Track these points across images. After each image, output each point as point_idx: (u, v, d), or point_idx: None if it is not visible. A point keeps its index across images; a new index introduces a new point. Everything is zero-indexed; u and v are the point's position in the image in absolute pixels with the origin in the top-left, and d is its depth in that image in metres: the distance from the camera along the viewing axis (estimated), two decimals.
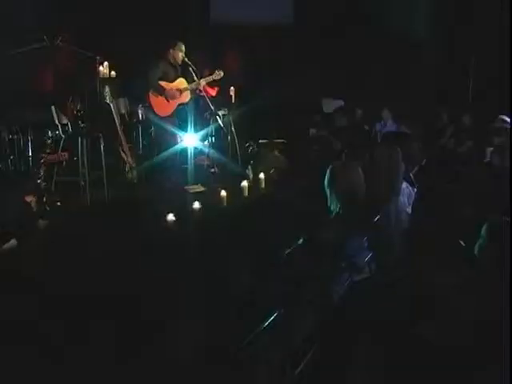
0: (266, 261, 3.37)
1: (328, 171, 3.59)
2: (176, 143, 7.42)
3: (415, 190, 5.47)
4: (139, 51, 8.25)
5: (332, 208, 3.57)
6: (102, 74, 8.32)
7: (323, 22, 10.56)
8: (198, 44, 8.37)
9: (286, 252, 3.04)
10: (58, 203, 5.24)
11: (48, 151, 4.98)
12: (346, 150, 5.15)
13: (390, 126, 9.01)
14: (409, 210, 5.33)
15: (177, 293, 3.61)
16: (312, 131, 9.43)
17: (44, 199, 4.71)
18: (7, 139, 6.26)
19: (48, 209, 4.72)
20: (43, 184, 4.78)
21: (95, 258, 3.32)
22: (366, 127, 9.26)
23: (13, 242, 3.63)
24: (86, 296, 3.12)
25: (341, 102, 10.27)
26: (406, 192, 5.26)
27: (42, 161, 4.88)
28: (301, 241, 3.15)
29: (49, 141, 5.17)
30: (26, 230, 3.71)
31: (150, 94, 6.93)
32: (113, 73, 8.58)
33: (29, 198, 4.00)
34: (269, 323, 2.58)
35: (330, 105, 10.38)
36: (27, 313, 2.93)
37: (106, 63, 8.37)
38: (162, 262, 3.66)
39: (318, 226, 3.37)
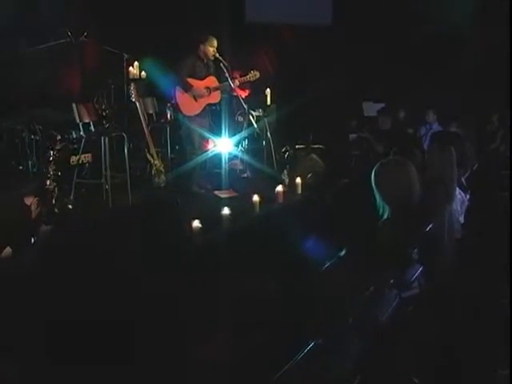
0: (302, 276, 2.86)
1: (376, 169, 3.06)
2: (206, 146, 7.01)
3: (468, 196, 4.96)
4: (171, 50, 7.84)
5: (380, 212, 3.03)
6: (131, 74, 8.00)
7: (362, 22, 10.05)
8: (231, 43, 7.93)
9: (326, 265, 2.51)
10: (70, 206, 4.84)
11: (58, 148, 4.57)
12: (393, 148, 4.61)
13: (436, 129, 8.48)
14: (461, 218, 4.82)
15: (198, 309, 3.14)
16: (352, 136, 8.97)
17: (53, 202, 4.30)
18: (27, 140, 5.91)
19: (57, 212, 4.31)
20: (53, 185, 4.36)
21: (98, 270, 2.85)
22: (410, 131, 8.74)
23: (7, 250, 3.20)
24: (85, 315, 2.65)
25: (382, 106, 9.75)
26: (459, 198, 4.76)
27: (51, 159, 4.47)
28: (343, 252, 2.62)
29: (58, 137, 4.77)
30: (24, 236, 3.29)
31: (177, 91, 6.47)
32: (143, 73, 8.26)
33: (28, 201, 3.56)
34: (306, 351, 2.08)
35: (371, 108, 9.87)
36: None
37: (136, 63, 8.06)
38: (178, 275, 3.17)
39: (363, 235, 2.84)
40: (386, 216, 3.03)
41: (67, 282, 2.95)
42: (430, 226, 3.68)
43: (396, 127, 8.02)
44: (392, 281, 3.16)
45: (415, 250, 3.55)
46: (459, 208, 4.80)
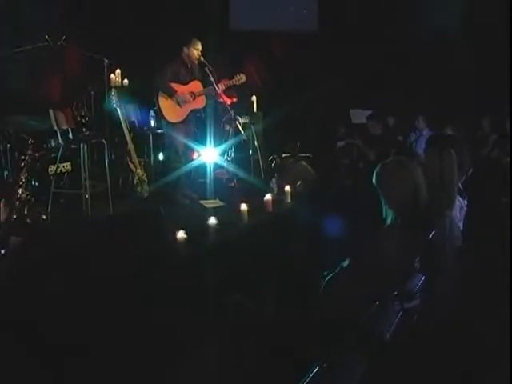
0: (297, 290, 2.58)
1: (378, 170, 2.79)
2: (191, 156, 6.74)
3: (466, 202, 4.77)
4: (154, 57, 7.61)
5: (384, 216, 2.77)
6: (113, 82, 7.73)
7: (349, 28, 9.89)
8: (216, 50, 7.70)
9: (327, 279, 2.23)
10: (44, 217, 4.52)
11: (29, 152, 4.25)
12: (393, 150, 4.38)
13: (427, 135, 8.28)
14: (460, 225, 4.61)
15: (185, 330, 2.86)
16: (339, 143, 8.78)
17: (25, 212, 3.99)
18: (2, 148, 5.58)
19: (29, 222, 3.99)
20: (25, 193, 4.04)
21: (75, 287, 2.58)
22: (400, 137, 8.54)
23: None
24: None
25: (370, 112, 9.57)
26: (457, 204, 4.56)
27: (23, 165, 4.14)
28: (346, 262, 2.35)
29: (30, 140, 4.44)
30: None
31: (160, 97, 6.19)
32: (125, 81, 8.00)
33: None
34: (311, 377, 1.80)
35: (359, 115, 9.69)
36: None
37: (118, 71, 7.79)
38: (164, 289, 2.90)
39: (367, 243, 2.57)
40: (389, 220, 2.77)
41: (35, 297, 2.68)
42: (433, 232, 3.46)
43: (386, 133, 7.84)
44: (396, 292, 2.92)
45: (417, 259, 3.32)
46: (458, 214, 4.60)
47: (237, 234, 5.14)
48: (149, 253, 4.00)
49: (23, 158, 4.16)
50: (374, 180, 2.80)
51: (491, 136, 8.36)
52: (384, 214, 2.80)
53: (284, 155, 8.61)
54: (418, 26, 9.73)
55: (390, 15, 9.88)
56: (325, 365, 1.79)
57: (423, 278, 3.30)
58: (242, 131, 7.14)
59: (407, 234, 2.70)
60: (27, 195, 4.11)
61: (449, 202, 4.08)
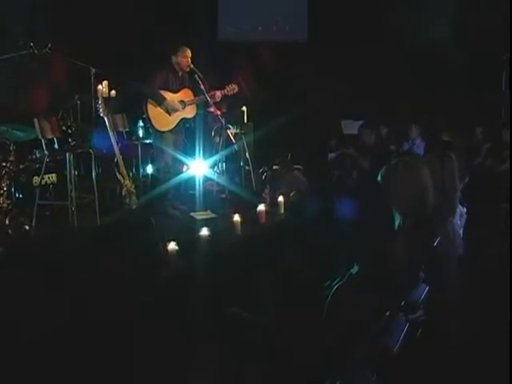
0: (295, 302, 2.41)
1: (383, 172, 2.63)
2: (181, 169, 6.57)
3: (465, 209, 4.67)
4: (143, 68, 7.47)
5: (394, 217, 2.60)
6: (100, 93, 7.57)
7: (339, 38, 9.82)
8: (205, 61, 7.58)
9: (336, 288, 2.05)
10: (26, 227, 4.32)
11: (11, 159, 4.03)
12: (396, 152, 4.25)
13: (420, 144, 8.18)
14: (461, 232, 4.51)
15: (178, 344, 2.68)
16: (331, 155, 8.67)
17: (7, 222, 3.78)
18: None
19: (11, 233, 3.78)
20: (6, 203, 3.82)
21: (60, 300, 2.40)
22: (393, 147, 8.43)
23: None
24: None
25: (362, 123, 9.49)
26: (457, 212, 4.45)
27: (4, 172, 3.93)
28: (355, 269, 2.17)
29: (12, 146, 4.21)
30: None
31: (148, 104, 6.01)
32: (113, 92, 7.85)
33: None
34: None
35: (351, 126, 9.60)
36: None
37: (105, 82, 7.64)
38: (156, 302, 2.72)
39: (376, 249, 2.39)
40: (397, 225, 2.60)
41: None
42: (437, 240, 3.32)
43: (380, 142, 7.73)
44: (403, 303, 2.76)
45: (422, 267, 3.18)
46: (459, 221, 4.49)
47: (230, 244, 4.99)
48: (139, 265, 3.83)
49: (4, 165, 3.96)
50: (379, 181, 2.63)
51: (484, 145, 8.30)
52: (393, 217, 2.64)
53: (274, 167, 8.48)
54: (410, 35, 9.68)
55: (381, 25, 9.82)
56: (338, 382, 1.61)
57: (427, 288, 3.16)
58: (234, 140, 6.99)
59: (414, 240, 2.53)
60: (9, 205, 3.90)
61: (451, 208, 3.95)
